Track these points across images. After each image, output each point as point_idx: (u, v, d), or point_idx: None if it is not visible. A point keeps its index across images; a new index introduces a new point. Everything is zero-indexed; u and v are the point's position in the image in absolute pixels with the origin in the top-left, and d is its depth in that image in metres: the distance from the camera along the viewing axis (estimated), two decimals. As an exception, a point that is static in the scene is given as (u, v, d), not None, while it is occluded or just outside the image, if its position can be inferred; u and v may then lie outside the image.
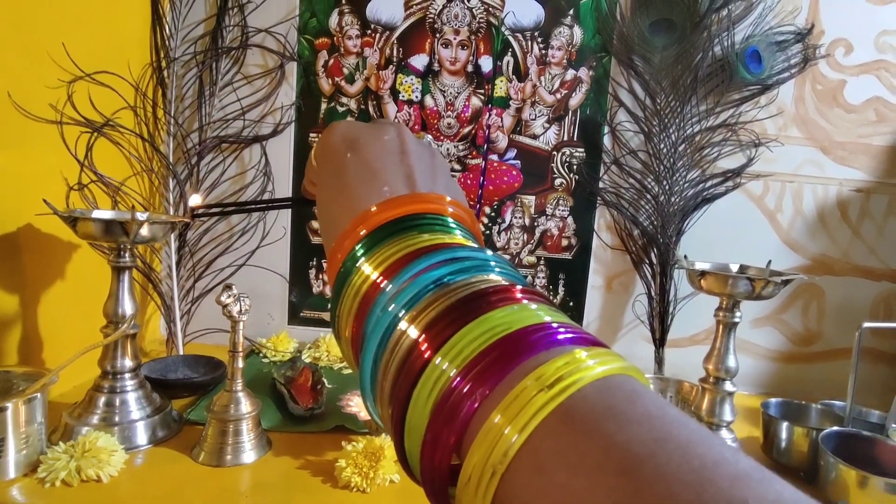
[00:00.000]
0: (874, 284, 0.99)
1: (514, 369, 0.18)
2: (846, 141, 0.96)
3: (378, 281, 0.23)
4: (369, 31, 0.94)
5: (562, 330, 0.20)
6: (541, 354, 0.18)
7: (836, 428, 0.67)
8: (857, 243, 0.98)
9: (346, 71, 0.95)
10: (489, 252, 0.24)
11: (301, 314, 1.01)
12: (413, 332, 0.21)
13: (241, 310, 0.64)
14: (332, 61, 0.95)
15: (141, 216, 0.71)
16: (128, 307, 0.67)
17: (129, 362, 0.68)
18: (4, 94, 0.66)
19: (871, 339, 0.98)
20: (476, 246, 0.25)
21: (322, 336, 0.99)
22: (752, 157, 0.96)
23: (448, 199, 0.27)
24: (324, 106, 0.96)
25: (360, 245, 0.25)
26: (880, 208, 0.97)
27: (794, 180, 0.97)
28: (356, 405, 0.68)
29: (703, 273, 0.65)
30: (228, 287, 0.64)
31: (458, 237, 0.25)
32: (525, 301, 0.21)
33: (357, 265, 0.25)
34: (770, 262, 0.76)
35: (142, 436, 0.67)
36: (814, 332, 1.00)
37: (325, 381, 0.86)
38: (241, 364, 0.65)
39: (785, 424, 0.71)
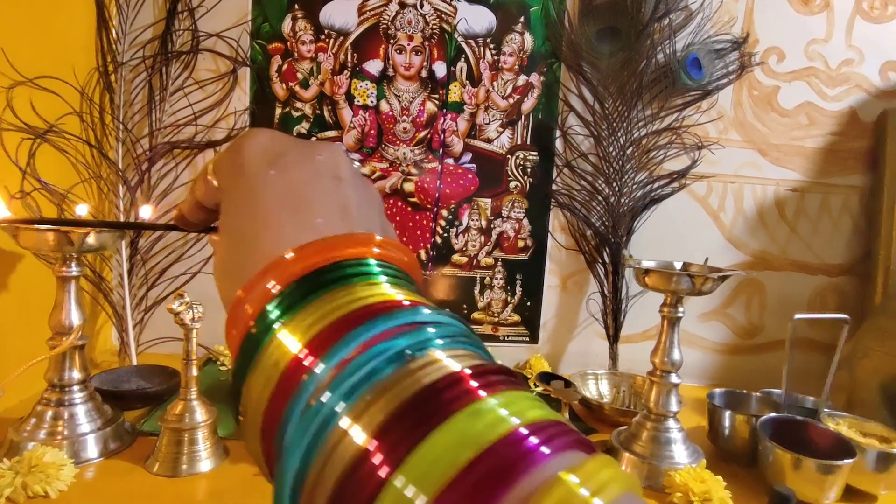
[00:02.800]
0: (811, 278, 1.05)
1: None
2: (781, 143, 1.02)
3: (303, 357, 0.18)
4: (323, 37, 0.94)
5: (547, 438, 0.16)
6: (526, 483, 0.15)
7: (772, 414, 0.72)
8: (795, 240, 1.04)
9: (300, 76, 0.95)
10: (449, 313, 0.20)
11: (259, 320, 1.00)
12: (359, 437, 0.16)
13: (193, 317, 0.64)
14: (285, 66, 0.95)
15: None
16: (75, 318, 0.65)
17: (77, 374, 0.66)
18: (-62, 101, 0.64)
19: (808, 330, 1.04)
20: (434, 307, 0.20)
21: (281, 342, 0.98)
22: (695, 159, 1.00)
23: (391, 240, 0.22)
24: (278, 111, 0.96)
25: (276, 301, 0.19)
26: (814, 206, 1.03)
27: (735, 181, 1.02)
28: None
29: (647, 271, 0.68)
30: (180, 295, 0.63)
31: (410, 292, 0.20)
32: (498, 393, 0.17)
33: (272, 332, 0.18)
34: (707, 259, 0.80)
35: (92, 449, 0.65)
36: (756, 325, 1.06)
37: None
38: (194, 372, 0.65)
39: (727, 413, 0.75)
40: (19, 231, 0.60)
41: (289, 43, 0.94)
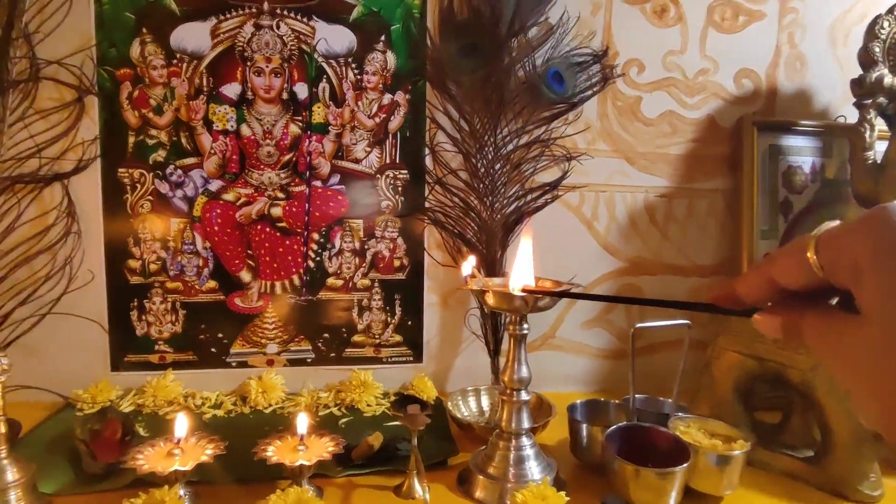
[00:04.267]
0: (685, 280, 1.09)
1: None
2: (647, 151, 1.05)
3: None
4: (175, 61, 0.91)
5: None
6: None
7: (619, 424, 0.73)
8: (666, 244, 1.07)
9: (153, 102, 0.91)
10: None
11: (125, 359, 0.95)
12: None
13: (-3, 371, 0.59)
14: (136, 93, 0.91)
15: None
16: None
17: None
18: None
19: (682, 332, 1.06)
20: None
21: (149, 380, 0.93)
22: (566, 170, 1.02)
23: None
24: (132, 139, 0.91)
25: None
26: (682, 211, 1.07)
27: (606, 189, 1.05)
28: (143, 458, 0.64)
29: (484, 292, 0.68)
30: (-23, 348, 0.58)
31: None
32: None
33: None
34: (574, 276, 0.81)
35: None
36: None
37: (139, 431, 0.82)
38: (2, 430, 0.60)
39: (584, 425, 0.76)
40: None
41: (139, 68, 0.90)
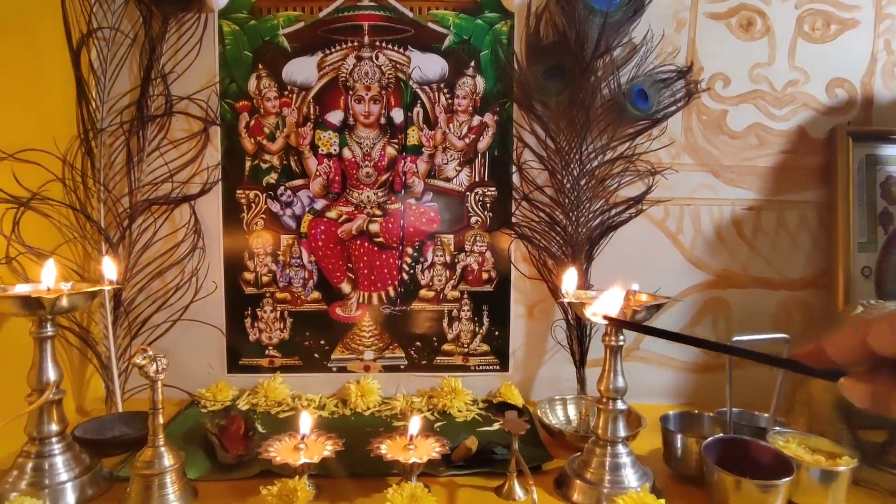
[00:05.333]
0: (774, 293, 1.07)
1: None
2: (734, 164, 1.05)
3: None
4: (286, 93, 1.00)
5: None
6: None
7: (717, 435, 0.74)
8: (755, 257, 1.06)
9: (266, 130, 1.01)
10: None
11: (240, 362, 1.05)
12: None
13: (157, 369, 0.68)
14: (253, 122, 1.01)
15: (64, 286, 0.76)
16: (51, 375, 0.70)
17: (54, 427, 0.71)
18: (-76, 183, 0.71)
19: (779, 344, 1.05)
20: None
21: (261, 382, 1.02)
22: (650, 185, 1.04)
23: None
24: (248, 164, 1.02)
25: None
26: (771, 223, 1.06)
27: (690, 203, 1.05)
28: (274, 450, 0.72)
29: (581, 305, 0.71)
30: (143, 349, 0.68)
31: None
32: None
33: None
34: (658, 289, 0.83)
35: (71, 496, 0.70)
36: (724, 342, 1.07)
37: (258, 427, 0.90)
38: (160, 420, 0.69)
39: (678, 436, 0.77)
40: (-6, 299, 0.66)
41: (255, 100, 1.01)
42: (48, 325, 0.70)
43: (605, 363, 0.74)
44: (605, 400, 0.74)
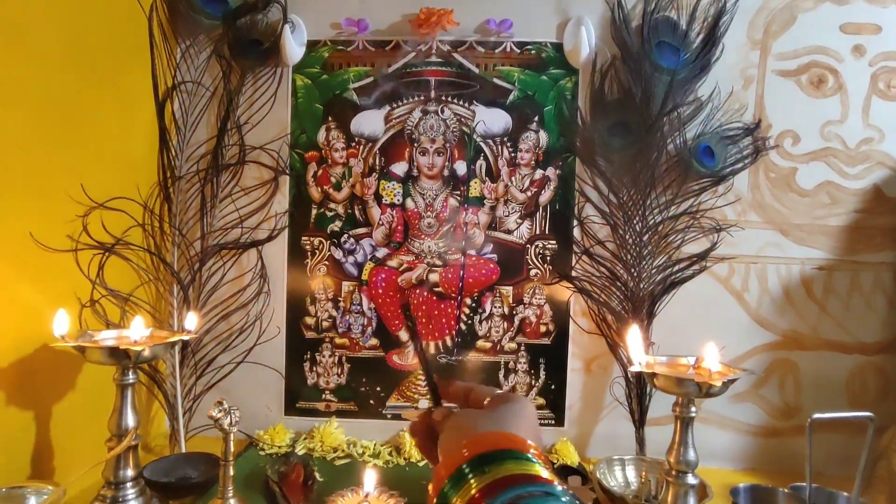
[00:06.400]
0: (847, 357, 1.02)
1: None
2: (803, 223, 1.02)
3: (478, 496, 0.34)
4: (354, 144, 1.04)
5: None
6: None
7: (796, 518, 0.70)
8: (826, 318, 1.02)
9: (333, 179, 1.04)
10: (573, 494, 0.34)
11: (297, 405, 1.06)
12: None
13: (231, 422, 0.70)
14: (320, 171, 1.04)
15: (144, 333, 0.79)
16: (130, 422, 0.73)
17: (130, 472, 0.73)
18: (27, 234, 0.75)
19: (847, 409, 1.00)
20: (564, 486, 0.34)
21: (316, 426, 1.04)
22: (714, 241, 1.02)
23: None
24: (314, 211, 1.05)
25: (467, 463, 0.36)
26: (844, 284, 1.02)
27: (757, 261, 1.03)
28: (340, 506, 0.73)
29: (655, 375, 0.70)
30: (219, 403, 0.70)
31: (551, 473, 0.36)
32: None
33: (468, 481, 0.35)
34: (723, 348, 0.80)
35: (142, 543, 0.72)
36: (792, 405, 1.03)
37: (316, 475, 0.91)
38: (231, 472, 0.71)
39: (752, 514, 0.74)
40: (86, 350, 0.69)
41: (323, 151, 1.04)
42: (130, 374, 0.73)
43: (675, 434, 0.72)
44: (674, 473, 0.72)
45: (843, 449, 0.96)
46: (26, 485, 0.70)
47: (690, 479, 0.71)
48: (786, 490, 0.80)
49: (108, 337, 0.76)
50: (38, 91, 0.77)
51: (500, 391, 0.48)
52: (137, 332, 0.75)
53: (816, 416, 0.72)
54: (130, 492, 0.74)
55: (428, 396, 0.56)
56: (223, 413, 0.70)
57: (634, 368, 0.71)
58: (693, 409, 0.71)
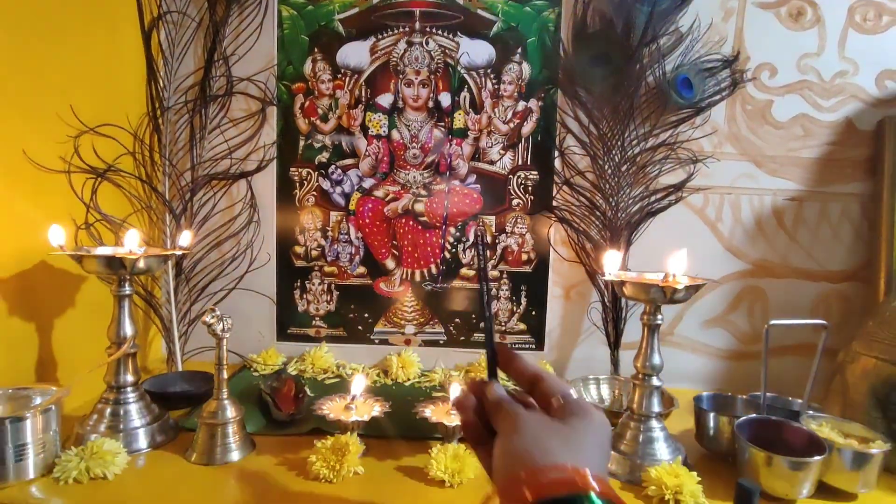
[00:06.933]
0: (813, 285, 1.07)
1: None
2: (777, 155, 1.05)
3: None
4: (340, 75, 1.05)
5: None
6: None
7: (750, 416, 0.76)
8: (795, 248, 1.07)
9: (320, 111, 1.06)
10: None
11: (288, 331, 1.11)
12: None
13: (223, 328, 0.74)
14: (307, 103, 1.06)
15: (138, 250, 0.82)
16: (128, 330, 0.77)
17: (130, 377, 0.78)
18: (20, 152, 0.78)
19: (811, 335, 1.06)
20: None
21: (307, 350, 1.08)
22: (691, 172, 1.05)
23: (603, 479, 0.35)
24: (301, 143, 1.07)
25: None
26: (813, 215, 1.06)
27: (731, 192, 1.06)
28: (327, 409, 0.77)
29: (623, 283, 0.74)
30: (212, 310, 0.74)
31: None
32: None
33: None
34: (696, 275, 0.85)
35: (142, 440, 0.77)
36: (759, 331, 1.09)
37: (307, 390, 0.96)
38: (225, 375, 0.75)
39: (711, 415, 0.80)
40: (83, 259, 0.72)
41: (310, 82, 1.06)
42: (126, 285, 0.77)
43: (642, 341, 0.77)
44: (640, 376, 0.77)
45: (802, 370, 1.02)
46: (31, 386, 0.75)
47: (655, 381, 0.76)
48: (744, 397, 0.86)
49: (103, 253, 0.79)
50: (22, 7, 0.78)
51: (572, 393, 0.42)
52: (132, 242, 0.78)
53: (773, 322, 0.77)
54: (131, 395, 0.78)
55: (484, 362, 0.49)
56: (216, 319, 0.73)
57: (607, 277, 0.75)
58: (659, 316, 0.76)
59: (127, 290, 0.77)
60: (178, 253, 0.80)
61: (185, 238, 0.81)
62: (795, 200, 1.06)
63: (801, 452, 0.70)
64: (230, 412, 0.75)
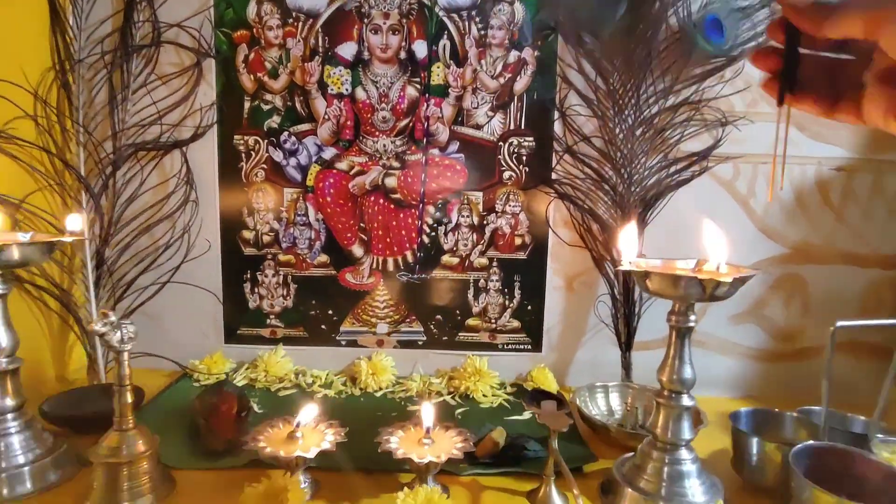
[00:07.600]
0: (863, 272, 0.90)
1: None
2: (823, 115, 0.87)
3: None
4: (291, 20, 0.86)
5: None
6: None
7: (808, 442, 0.59)
8: (842, 228, 0.90)
9: (268, 65, 0.87)
10: None
11: (238, 332, 0.93)
12: None
13: (122, 339, 0.57)
14: (252, 55, 0.87)
15: (22, 237, 0.64)
16: (3, 340, 0.60)
17: (9, 402, 0.61)
18: None
19: (860, 333, 0.89)
20: None
21: (260, 355, 0.91)
22: (719, 137, 0.87)
23: None
24: (247, 104, 0.88)
25: None
26: (865, 188, 0.88)
27: (767, 161, 0.88)
28: (265, 439, 0.60)
29: (647, 274, 0.57)
30: (104, 314, 0.56)
31: None
32: None
33: None
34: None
35: (28, 482, 0.60)
36: (797, 327, 0.92)
37: (253, 407, 0.79)
38: (128, 399, 0.58)
39: (755, 440, 0.63)
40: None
41: (255, 29, 0.86)
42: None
43: (669, 348, 0.60)
44: (667, 393, 0.60)
45: (858, 375, 0.86)
46: None
47: (686, 401, 0.59)
48: (794, 414, 0.69)
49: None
50: None
51: None
52: (10, 234, 0.60)
53: (841, 323, 0.60)
54: (12, 424, 0.61)
55: None
56: (110, 327, 0.56)
57: (624, 266, 0.57)
58: (692, 317, 0.59)
59: (1, 288, 0.59)
60: (67, 240, 0.62)
61: (75, 222, 0.63)
62: (844, 171, 0.88)
63: (877, 491, 0.53)
64: (138, 446, 0.58)
